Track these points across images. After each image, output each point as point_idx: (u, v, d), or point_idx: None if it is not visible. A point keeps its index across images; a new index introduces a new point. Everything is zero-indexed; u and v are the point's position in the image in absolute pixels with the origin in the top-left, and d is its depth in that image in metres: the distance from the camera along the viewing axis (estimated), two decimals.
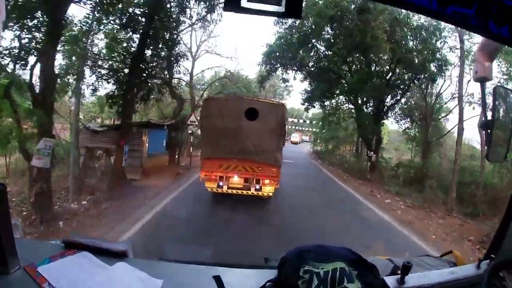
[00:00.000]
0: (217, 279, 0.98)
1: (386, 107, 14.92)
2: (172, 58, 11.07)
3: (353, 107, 16.23)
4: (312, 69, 15.89)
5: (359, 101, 14.98)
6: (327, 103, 18.98)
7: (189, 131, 12.54)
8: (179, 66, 12.31)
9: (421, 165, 13.87)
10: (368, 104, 15.29)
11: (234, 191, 6.57)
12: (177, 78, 14.54)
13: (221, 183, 6.55)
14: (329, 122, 20.33)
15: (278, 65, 16.30)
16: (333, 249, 1.03)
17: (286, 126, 7.62)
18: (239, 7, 0.78)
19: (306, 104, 18.93)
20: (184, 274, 1.08)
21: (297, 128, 32.22)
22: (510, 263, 1.05)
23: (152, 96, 11.17)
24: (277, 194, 6.96)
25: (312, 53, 15.21)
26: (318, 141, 28.17)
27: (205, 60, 69.72)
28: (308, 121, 33.11)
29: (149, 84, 10.33)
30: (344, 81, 15.58)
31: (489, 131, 1.10)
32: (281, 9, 0.77)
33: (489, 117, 1.12)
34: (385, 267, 1.16)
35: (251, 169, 6.57)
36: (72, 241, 1.09)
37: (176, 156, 13.05)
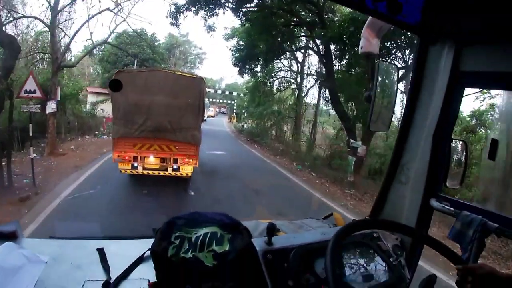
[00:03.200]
0: (100, 251, 1.08)
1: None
2: None
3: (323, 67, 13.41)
4: (255, 10, 12.81)
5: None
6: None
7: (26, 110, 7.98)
8: None
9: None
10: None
11: (151, 172, 6.67)
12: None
13: (135, 164, 6.53)
14: (262, 92, 18.24)
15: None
16: (209, 215, 1.09)
17: (205, 101, 7.71)
18: None
19: (239, 66, 16.07)
20: (70, 250, 1.14)
21: (211, 100, 29.40)
22: (373, 224, 1.20)
23: None
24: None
25: None
26: (244, 116, 24.66)
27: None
28: (221, 92, 31.82)
29: None
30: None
31: (370, 103, 1.20)
32: None
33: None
34: (263, 230, 1.22)
35: (167, 148, 6.59)
36: None
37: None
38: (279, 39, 13.43)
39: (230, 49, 16.94)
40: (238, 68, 16.49)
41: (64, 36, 12.05)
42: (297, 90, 18.80)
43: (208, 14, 13.24)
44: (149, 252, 1.04)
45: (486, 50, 1.08)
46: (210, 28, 14.29)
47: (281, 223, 1.33)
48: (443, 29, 1.10)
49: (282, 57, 16.71)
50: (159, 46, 24.84)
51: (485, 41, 1.07)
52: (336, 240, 0.96)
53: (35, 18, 11.25)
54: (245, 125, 24.40)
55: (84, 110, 16.76)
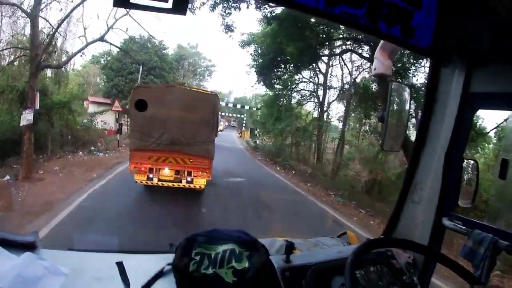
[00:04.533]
0: (119, 265, 1.11)
1: None
2: None
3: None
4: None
5: None
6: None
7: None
8: None
9: None
10: None
11: (165, 184, 7.06)
12: None
13: (151, 175, 6.93)
14: (279, 106, 16.63)
15: None
16: (227, 232, 1.18)
17: (219, 117, 8.24)
18: (128, 3, 0.83)
19: (260, 77, 15.00)
20: (90, 262, 1.19)
21: (220, 113, 26.91)
22: (388, 242, 1.29)
23: None
24: None
25: None
26: (257, 131, 22.92)
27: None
28: (232, 105, 30.28)
29: None
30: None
31: (384, 123, 1.30)
32: (168, 5, 0.82)
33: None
34: (280, 248, 1.32)
35: (182, 161, 6.96)
36: None
37: None
38: (312, 42, 10.88)
39: (250, 54, 15.67)
40: (259, 77, 15.19)
41: (56, 31, 9.60)
42: (318, 104, 17.40)
43: (227, 11, 10.97)
44: (168, 267, 1.13)
45: (497, 71, 1.15)
46: (228, 28, 12.33)
47: (297, 241, 1.39)
48: (454, 52, 1.16)
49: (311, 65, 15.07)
50: (167, 55, 23.64)
51: (496, 62, 1.15)
52: (355, 258, 1.03)
53: (12, 4, 8.93)
54: (258, 142, 22.68)
55: (84, 121, 15.49)
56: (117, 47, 15.06)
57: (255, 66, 15.21)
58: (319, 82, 17.77)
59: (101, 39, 11.95)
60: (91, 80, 24.42)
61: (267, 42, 14.02)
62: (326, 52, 14.42)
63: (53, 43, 11.12)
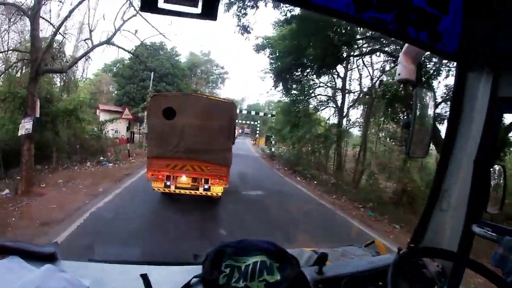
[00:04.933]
0: (144, 277, 1.07)
1: None
2: None
3: None
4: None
5: None
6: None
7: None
8: None
9: None
10: None
11: (182, 191, 7.11)
12: None
13: (168, 183, 6.97)
14: (296, 113, 15.90)
15: None
16: (255, 243, 1.16)
17: (236, 125, 8.00)
18: (156, 8, 0.80)
19: (277, 82, 14.44)
20: (112, 274, 1.16)
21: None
22: (425, 252, 1.24)
23: None
24: None
25: None
26: (273, 139, 22.38)
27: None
28: (246, 112, 29.84)
29: None
30: None
31: (410, 129, 1.28)
32: (197, 10, 0.80)
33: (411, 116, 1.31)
34: (308, 258, 1.31)
35: (199, 169, 6.98)
36: (0, 246, 1.15)
37: None
38: (336, 42, 9.98)
39: (268, 56, 15.24)
40: (276, 82, 14.90)
41: (57, 31, 8.94)
42: (337, 109, 16.71)
43: (242, 11, 10.24)
44: (195, 279, 1.10)
45: None
46: (245, 30, 11.57)
47: (322, 252, 1.31)
48: (481, 56, 1.15)
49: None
50: (180, 62, 23.82)
51: None
52: (395, 268, 1.03)
53: (11, 4, 8.29)
54: (273, 149, 22.19)
55: (94, 130, 14.90)
56: (125, 50, 14.27)
57: (272, 69, 14.69)
58: (337, 86, 17.25)
59: (108, 41, 11.29)
60: (103, 88, 24.66)
61: (285, 44, 13.59)
62: (349, 53, 13.50)
63: (56, 46, 10.54)
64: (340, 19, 1.12)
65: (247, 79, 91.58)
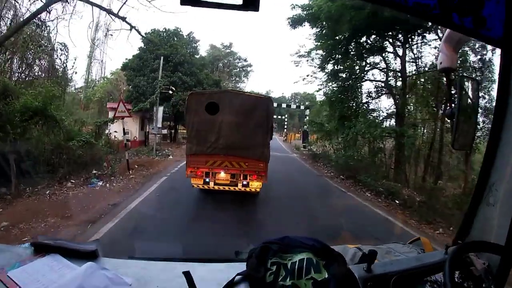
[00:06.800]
0: (187, 275, 1.05)
1: None
2: None
3: None
4: None
5: None
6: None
7: None
8: None
9: None
10: None
11: (221, 187, 7.55)
12: None
13: (207, 180, 7.35)
14: (347, 102, 13.07)
15: None
16: (300, 240, 1.17)
17: (273, 121, 8.43)
18: (198, 0, 0.79)
19: (325, 62, 11.68)
20: (154, 271, 1.16)
21: None
22: (473, 247, 1.23)
23: None
24: None
25: None
26: (316, 137, 18.53)
27: None
28: (276, 105, 24.45)
29: None
30: None
31: (454, 120, 1.25)
32: (239, 1, 0.79)
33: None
34: (353, 256, 1.32)
35: (238, 165, 7.33)
36: (41, 244, 1.19)
37: None
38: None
39: (314, 33, 12.95)
40: (323, 63, 12.49)
41: None
42: (398, 97, 13.55)
43: None
44: (239, 277, 1.12)
45: None
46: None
47: (366, 249, 1.34)
48: None
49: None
50: (197, 48, 21.84)
51: None
52: (451, 263, 1.05)
53: None
54: (314, 148, 18.81)
55: (83, 134, 10.73)
56: (130, 24, 10.98)
57: (320, 44, 12.32)
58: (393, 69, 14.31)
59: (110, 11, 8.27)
60: (121, 87, 23.57)
61: (334, 8, 11.02)
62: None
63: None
64: (383, 5, 0.81)
65: (271, 72, 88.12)
